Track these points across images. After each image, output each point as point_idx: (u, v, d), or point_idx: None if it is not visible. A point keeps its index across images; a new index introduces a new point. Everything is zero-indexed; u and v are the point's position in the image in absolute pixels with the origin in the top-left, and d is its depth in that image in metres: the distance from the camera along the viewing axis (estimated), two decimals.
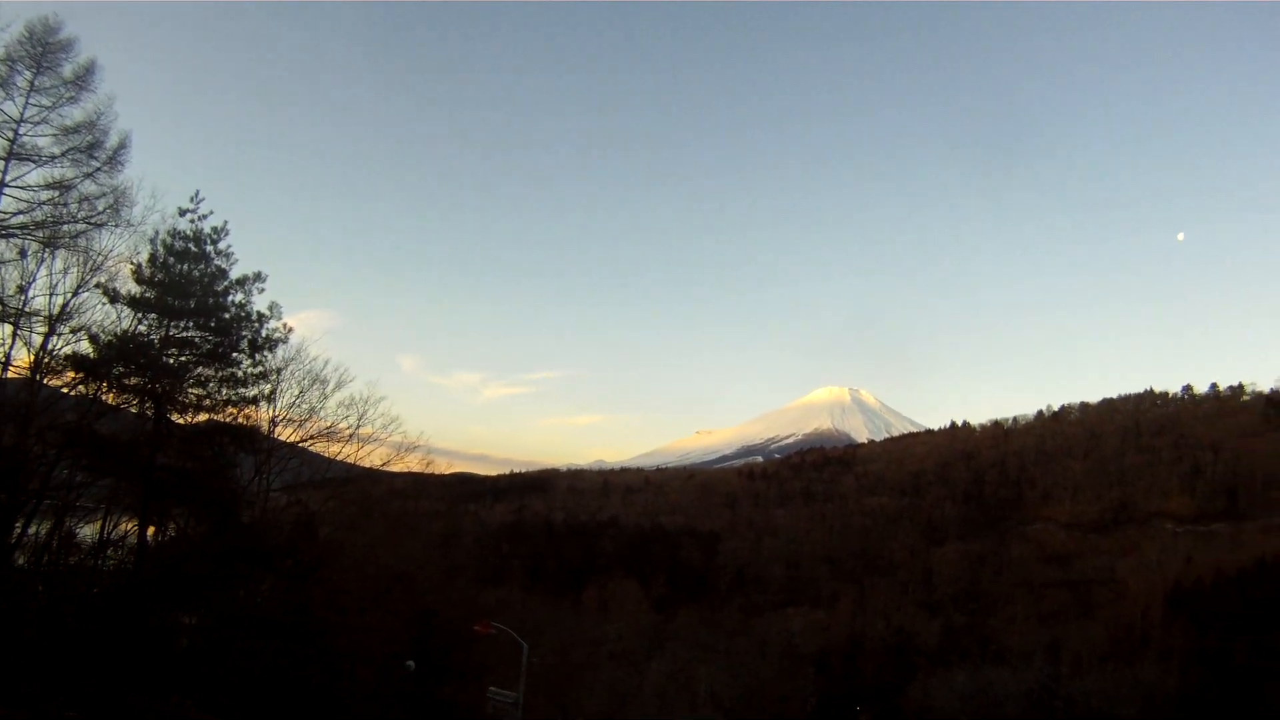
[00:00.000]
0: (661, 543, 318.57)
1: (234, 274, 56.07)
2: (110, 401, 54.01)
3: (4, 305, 47.31)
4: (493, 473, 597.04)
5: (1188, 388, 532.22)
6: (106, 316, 52.24)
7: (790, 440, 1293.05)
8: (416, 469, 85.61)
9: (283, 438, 67.50)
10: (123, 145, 46.66)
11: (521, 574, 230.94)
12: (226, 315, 55.86)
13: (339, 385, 68.72)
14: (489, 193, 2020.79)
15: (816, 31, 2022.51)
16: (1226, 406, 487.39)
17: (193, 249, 53.88)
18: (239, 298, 56.30)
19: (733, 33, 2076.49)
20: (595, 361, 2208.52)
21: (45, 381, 50.96)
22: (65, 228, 46.39)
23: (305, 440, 68.76)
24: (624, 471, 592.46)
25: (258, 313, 57.24)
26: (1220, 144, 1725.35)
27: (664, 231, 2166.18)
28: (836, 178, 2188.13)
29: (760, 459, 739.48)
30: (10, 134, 43.35)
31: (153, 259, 52.79)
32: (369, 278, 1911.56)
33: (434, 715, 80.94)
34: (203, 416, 56.91)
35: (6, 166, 43.56)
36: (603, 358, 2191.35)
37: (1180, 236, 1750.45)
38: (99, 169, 45.97)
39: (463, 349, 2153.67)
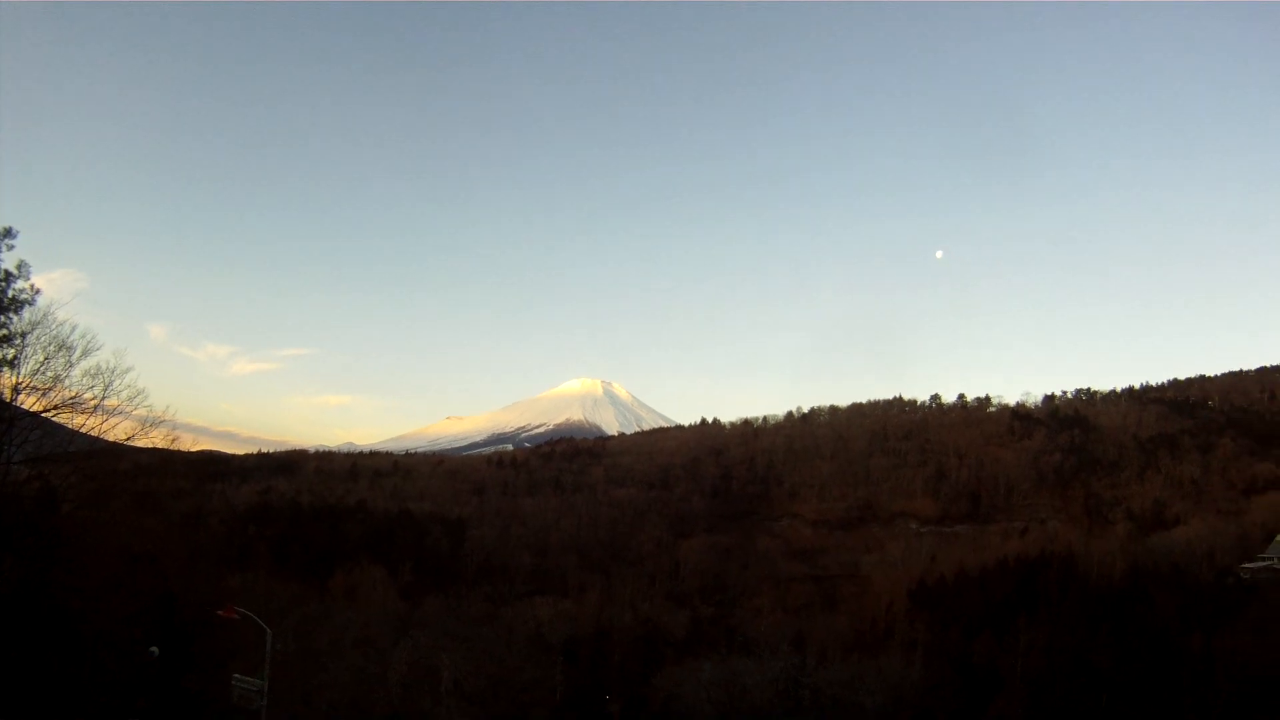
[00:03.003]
0: (409, 529, 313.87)
1: None
2: None
3: None
4: (240, 451, 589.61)
5: (935, 396, 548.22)
6: None
7: (541, 430, 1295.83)
8: (162, 445, 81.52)
9: (25, 406, 63.26)
10: None
11: (268, 557, 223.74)
12: None
13: (85, 353, 64.15)
14: (250, 156, 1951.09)
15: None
16: (973, 416, 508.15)
17: None
18: None
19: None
20: (347, 340, 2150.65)
21: None
22: None
23: (49, 410, 64.39)
24: (373, 455, 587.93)
25: (4, 271, 53.57)
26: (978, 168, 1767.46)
27: (418, 214, 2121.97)
28: (597, 163, 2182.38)
29: (510, 447, 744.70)
30: None
31: None
32: (122, 237, 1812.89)
33: (179, 703, 77.66)
34: None
35: None
36: (355, 337, 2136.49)
37: (939, 254, 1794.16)
38: None
39: (214, 320, 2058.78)
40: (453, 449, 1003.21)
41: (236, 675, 73.40)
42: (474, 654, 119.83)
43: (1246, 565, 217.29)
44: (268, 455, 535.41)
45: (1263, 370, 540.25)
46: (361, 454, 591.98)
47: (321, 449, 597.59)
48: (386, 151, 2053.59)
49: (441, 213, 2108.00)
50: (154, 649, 72.67)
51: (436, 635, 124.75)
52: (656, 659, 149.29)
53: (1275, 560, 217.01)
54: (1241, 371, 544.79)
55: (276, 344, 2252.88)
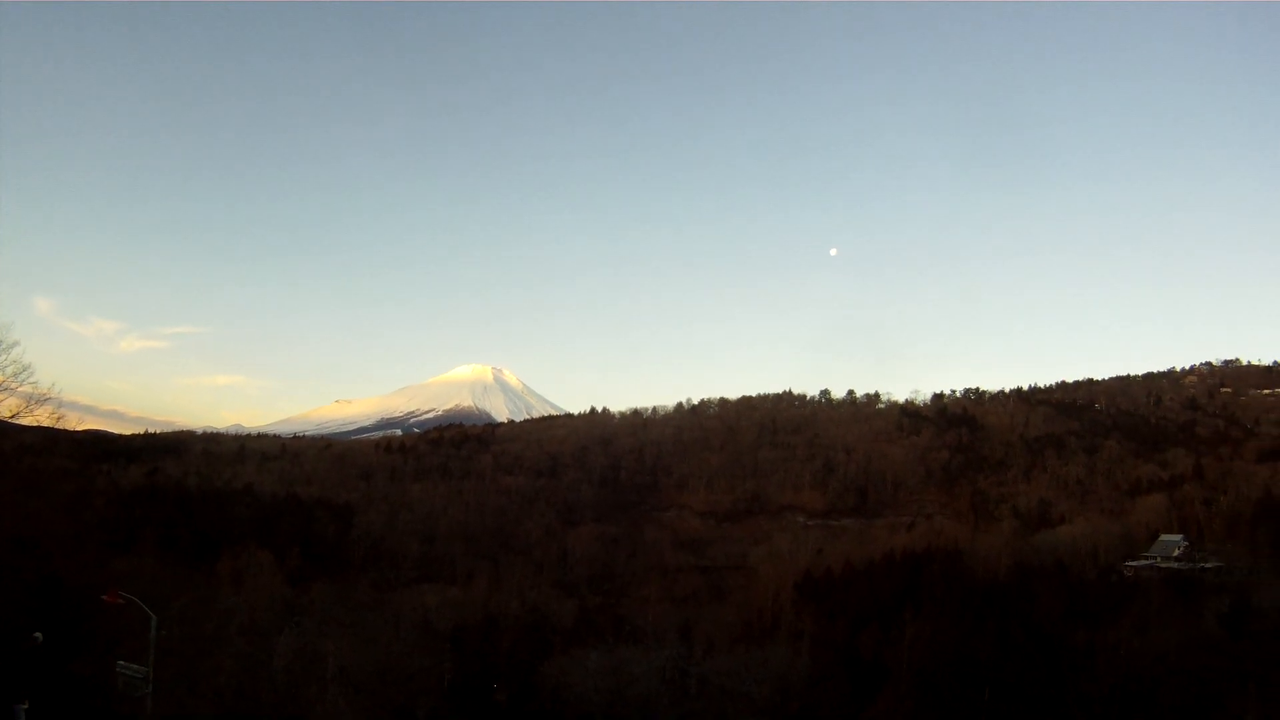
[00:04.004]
0: (296, 514, 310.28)
1: None
2: None
3: None
4: (127, 431, 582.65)
5: (825, 392, 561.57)
6: None
7: (430, 415, 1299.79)
8: (47, 423, 79.87)
9: None
10: None
11: (155, 541, 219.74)
12: None
13: None
14: (140, 125, 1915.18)
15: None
16: (862, 412, 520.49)
17: None
18: None
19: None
20: (237, 319, 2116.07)
21: None
22: None
23: None
24: (261, 437, 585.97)
25: None
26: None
27: (313, 193, 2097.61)
28: (498, 151, 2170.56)
29: (399, 432, 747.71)
30: None
31: None
32: (5, 205, 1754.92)
33: (63, 690, 76.26)
34: None
35: None
36: (245, 316, 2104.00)
37: (833, 251, 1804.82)
38: None
39: (102, 294, 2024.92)
40: (341, 433, 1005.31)
41: (121, 662, 72.10)
42: (360, 641, 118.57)
43: (1130, 563, 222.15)
44: (155, 436, 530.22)
45: (1149, 376, 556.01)
46: (250, 436, 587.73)
47: (209, 430, 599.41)
48: (282, 127, 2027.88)
49: (337, 193, 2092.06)
50: (38, 634, 71.30)
51: (322, 622, 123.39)
52: (544, 648, 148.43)
53: (1158, 559, 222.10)
54: (1128, 376, 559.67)
55: (166, 321, 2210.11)
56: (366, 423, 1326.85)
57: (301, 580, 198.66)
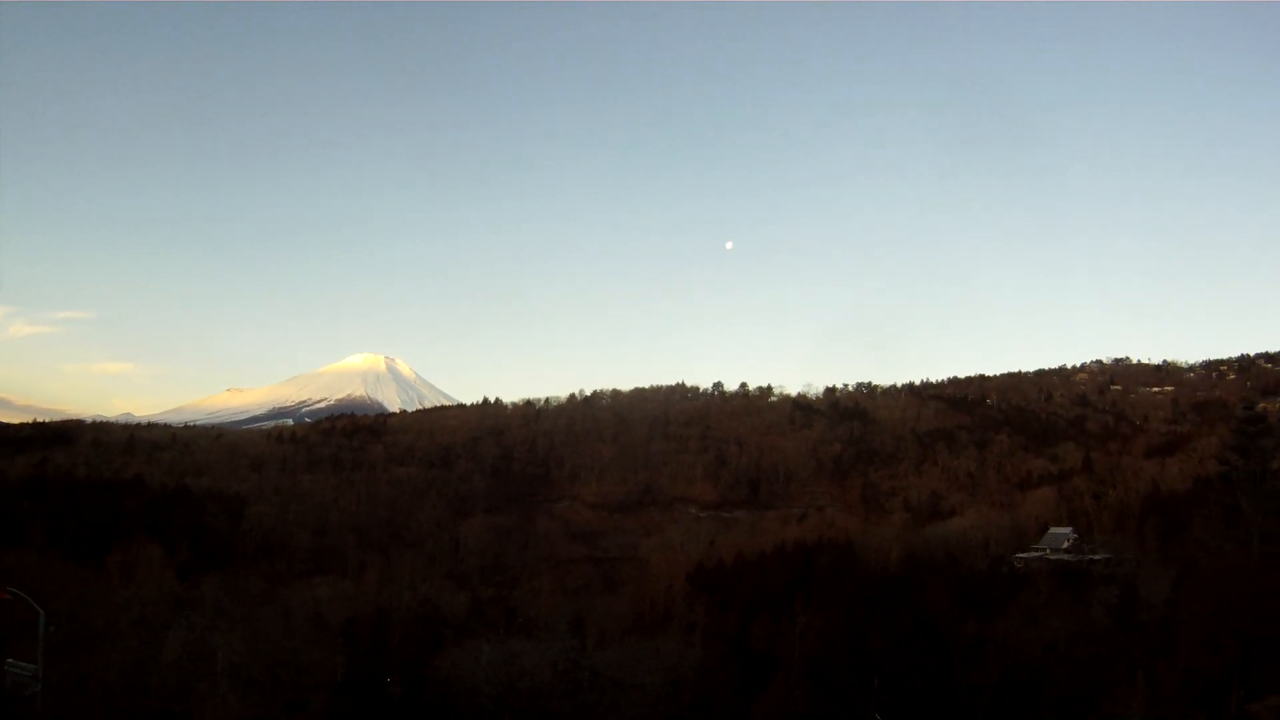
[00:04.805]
0: (187, 505, 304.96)
1: None
2: None
3: None
4: (14, 420, 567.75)
5: (718, 384, 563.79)
6: None
7: (322, 405, 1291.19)
8: None
9: None
10: None
11: (43, 534, 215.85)
12: None
13: None
14: (25, 95, 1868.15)
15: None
16: (754, 405, 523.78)
17: None
18: None
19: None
20: (128, 305, 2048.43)
21: None
22: None
23: None
24: (151, 427, 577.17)
25: None
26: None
27: (206, 176, 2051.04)
28: (397, 141, 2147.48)
29: (291, 422, 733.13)
30: None
31: None
32: None
33: None
34: None
35: None
36: (136, 302, 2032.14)
37: (729, 245, 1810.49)
38: None
39: None
40: (233, 422, 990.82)
41: (9, 660, 70.66)
42: (252, 636, 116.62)
43: (1020, 555, 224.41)
44: (43, 425, 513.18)
45: (1040, 373, 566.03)
46: (140, 426, 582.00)
47: (99, 419, 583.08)
48: (171, 107, 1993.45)
49: (229, 177, 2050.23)
50: None
51: (213, 616, 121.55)
52: (436, 640, 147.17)
53: (1047, 551, 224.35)
54: (1019, 373, 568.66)
55: (54, 305, 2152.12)
56: (258, 412, 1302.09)
57: (192, 574, 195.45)
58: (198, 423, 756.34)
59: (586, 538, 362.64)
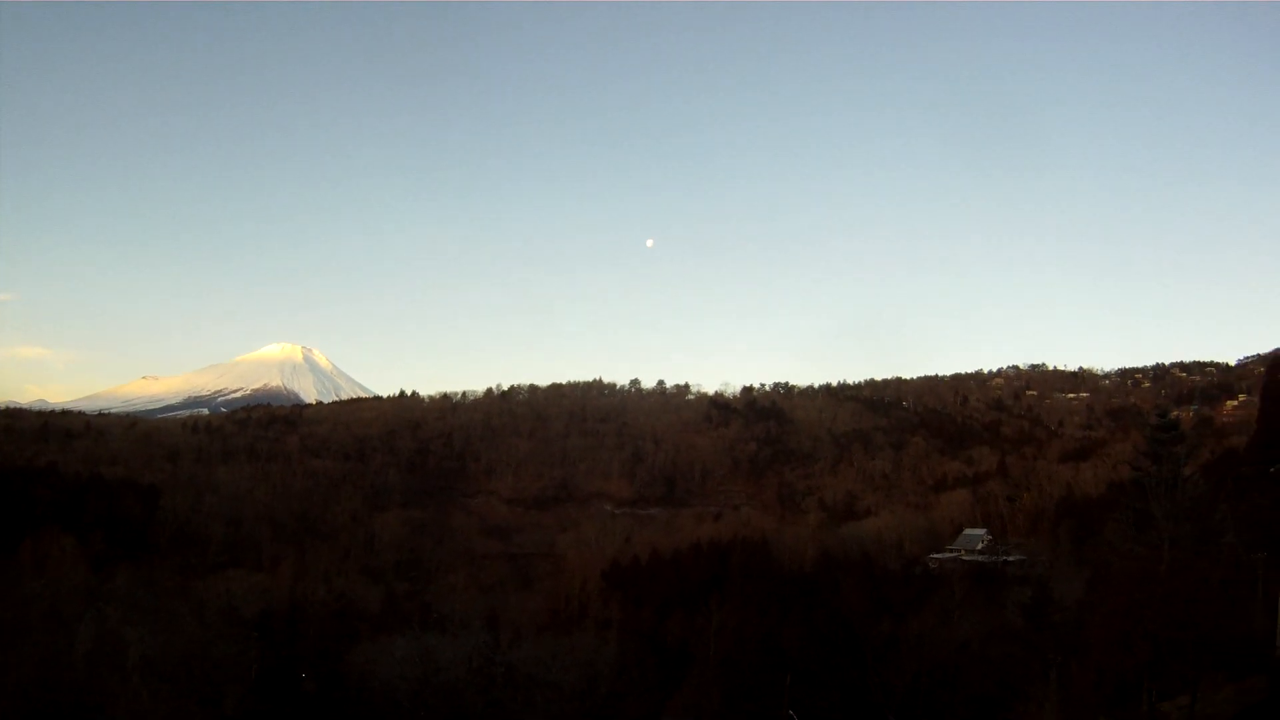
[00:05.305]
0: (101, 495, 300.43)
1: None
2: None
3: None
4: None
5: (635, 381, 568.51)
6: None
7: (238, 395, 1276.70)
8: None
9: None
10: None
11: None
12: None
13: None
14: None
15: None
16: (671, 402, 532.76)
17: None
18: None
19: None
20: (41, 288, 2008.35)
21: None
22: None
23: None
24: (65, 414, 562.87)
25: None
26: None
27: (122, 158, 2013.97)
28: (317, 130, 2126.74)
29: (206, 412, 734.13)
30: None
31: None
32: None
33: None
34: None
35: None
36: (49, 285, 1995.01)
37: (650, 243, 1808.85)
38: None
39: None
40: (148, 411, 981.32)
41: None
42: (165, 629, 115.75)
43: (934, 555, 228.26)
44: None
45: (956, 376, 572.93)
46: (54, 413, 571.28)
47: (12, 405, 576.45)
48: (86, 90, 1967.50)
49: (149, 163, 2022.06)
50: None
51: (126, 609, 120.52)
52: (351, 635, 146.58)
53: (961, 552, 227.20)
54: (936, 376, 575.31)
55: None
56: (174, 401, 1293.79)
57: (105, 565, 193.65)
58: (113, 411, 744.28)
59: (502, 533, 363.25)
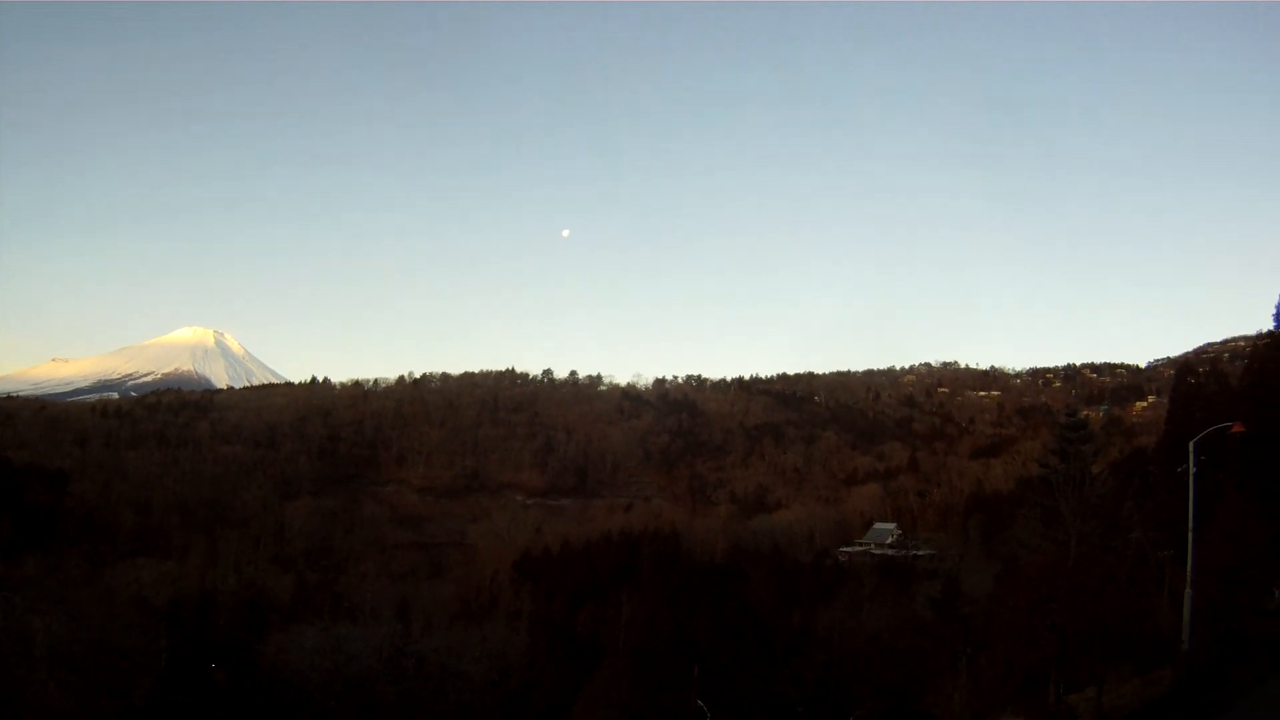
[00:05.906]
0: (7, 481, 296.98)
1: None
2: None
3: None
4: None
5: (548, 371, 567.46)
6: None
7: (149, 379, 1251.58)
8: None
9: None
10: None
11: None
12: None
13: None
14: None
15: None
16: (584, 393, 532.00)
17: None
18: None
19: None
20: None
21: None
22: None
23: None
24: None
25: None
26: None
27: (37, 139, 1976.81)
28: (242, 114, 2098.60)
29: (116, 396, 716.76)
30: None
31: None
32: None
33: None
34: None
35: None
36: None
37: (565, 233, 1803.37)
38: None
39: None
40: (56, 394, 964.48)
41: None
42: (72, 618, 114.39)
43: (844, 549, 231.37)
44: None
45: (869, 372, 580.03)
46: None
47: None
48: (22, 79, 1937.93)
49: (58, 144, 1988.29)
50: None
51: (33, 598, 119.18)
52: (261, 625, 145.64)
53: (872, 545, 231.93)
54: (848, 372, 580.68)
55: None
56: (83, 384, 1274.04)
57: (11, 553, 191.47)
58: (20, 393, 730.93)
59: (413, 523, 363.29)
